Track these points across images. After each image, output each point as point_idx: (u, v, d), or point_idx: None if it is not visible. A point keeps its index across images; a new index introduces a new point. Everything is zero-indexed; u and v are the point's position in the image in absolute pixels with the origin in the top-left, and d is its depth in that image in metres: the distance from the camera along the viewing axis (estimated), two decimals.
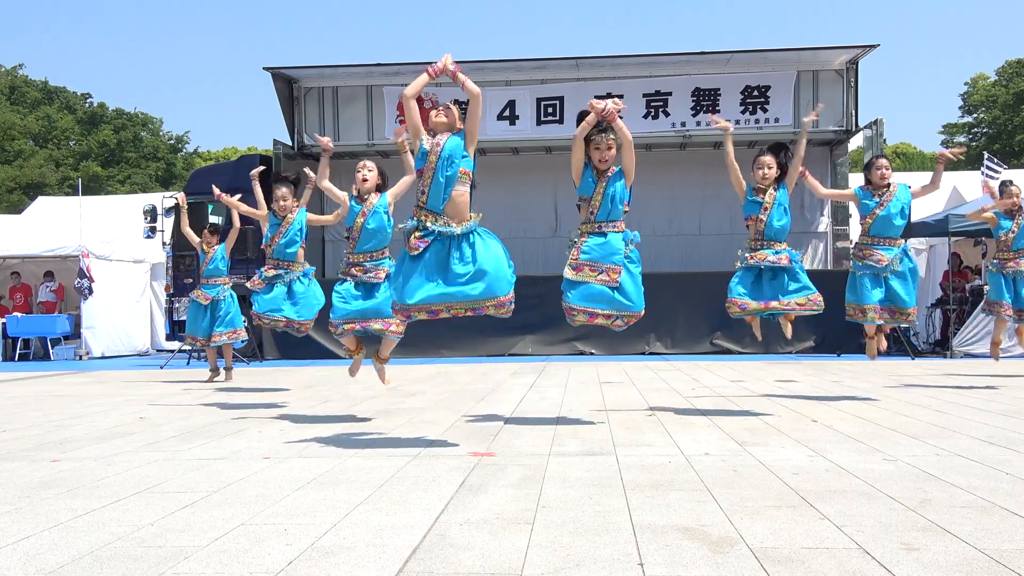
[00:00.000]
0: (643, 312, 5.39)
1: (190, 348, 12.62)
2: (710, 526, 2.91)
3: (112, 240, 16.15)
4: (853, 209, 11.50)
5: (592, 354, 13.26)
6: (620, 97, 13.13)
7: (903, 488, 3.45)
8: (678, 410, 6.22)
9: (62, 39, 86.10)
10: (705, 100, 14.19)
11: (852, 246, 6.92)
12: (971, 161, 26.41)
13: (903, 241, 6.53)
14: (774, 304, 5.94)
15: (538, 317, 12.31)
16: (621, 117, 5.26)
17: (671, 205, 15.26)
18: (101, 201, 21.26)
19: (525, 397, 7.32)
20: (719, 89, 14.16)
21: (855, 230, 11.15)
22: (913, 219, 12.07)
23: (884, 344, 6.95)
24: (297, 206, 7.43)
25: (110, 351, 15.75)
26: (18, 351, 15.50)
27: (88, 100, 48.94)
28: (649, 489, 3.50)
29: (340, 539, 2.83)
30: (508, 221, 13.75)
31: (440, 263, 4.53)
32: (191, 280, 13.43)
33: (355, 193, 5.89)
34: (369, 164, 5.88)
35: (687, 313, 13.20)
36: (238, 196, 8.80)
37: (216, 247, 9.32)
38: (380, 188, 5.90)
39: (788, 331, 6.19)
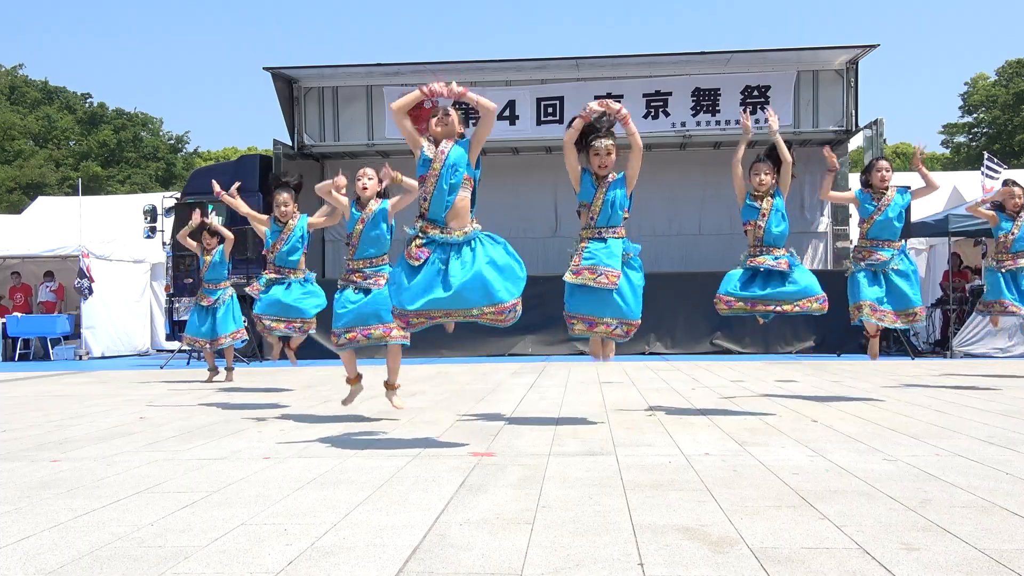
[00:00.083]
0: (639, 321, 5.40)
1: (189, 349, 12.62)
2: (710, 526, 2.91)
3: (112, 240, 16.16)
4: (853, 210, 11.50)
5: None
6: (620, 97, 13.17)
7: (903, 488, 3.45)
8: (678, 410, 6.22)
9: (62, 39, 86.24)
10: (705, 100, 14.20)
11: (852, 248, 6.92)
12: (971, 161, 26.42)
13: (902, 242, 6.57)
14: (760, 307, 5.92)
15: (538, 317, 12.29)
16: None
17: (671, 205, 15.26)
18: (101, 201, 21.28)
19: (525, 397, 7.33)
20: (719, 89, 14.17)
21: (855, 230, 11.16)
22: (913, 219, 12.12)
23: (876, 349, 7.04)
24: (297, 213, 7.33)
25: (110, 351, 15.76)
26: (18, 351, 15.51)
27: (88, 100, 48.97)
28: (649, 489, 3.50)
29: (340, 539, 2.83)
30: (508, 221, 13.74)
31: (440, 270, 4.53)
32: (191, 280, 13.42)
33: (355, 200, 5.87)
34: (369, 172, 5.83)
35: (687, 313, 13.20)
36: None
37: (215, 249, 9.32)
38: (380, 194, 5.87)
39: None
